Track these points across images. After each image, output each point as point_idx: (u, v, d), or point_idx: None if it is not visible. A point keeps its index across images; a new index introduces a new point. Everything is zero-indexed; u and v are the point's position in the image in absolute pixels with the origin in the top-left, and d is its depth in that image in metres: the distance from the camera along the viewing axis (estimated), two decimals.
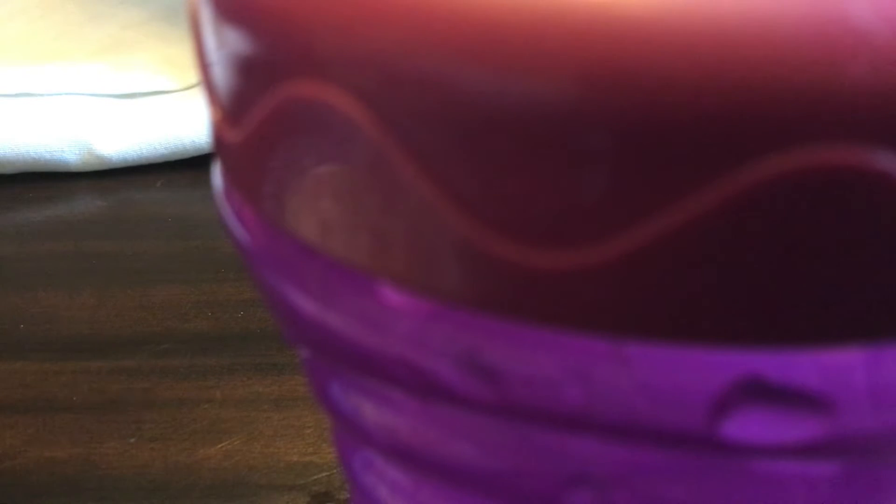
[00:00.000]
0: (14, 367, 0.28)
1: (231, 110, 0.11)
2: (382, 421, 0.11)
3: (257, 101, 0.10)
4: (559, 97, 0.08)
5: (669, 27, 0.08)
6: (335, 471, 0.24)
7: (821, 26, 0.08)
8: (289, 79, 0.10)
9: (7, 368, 0.28)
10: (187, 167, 0.37)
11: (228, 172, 0.12)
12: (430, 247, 0.09)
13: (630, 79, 0.08)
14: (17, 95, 0.37)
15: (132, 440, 0.26)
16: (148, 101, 0.37)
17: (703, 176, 0.08)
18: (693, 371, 0.09)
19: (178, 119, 0.37)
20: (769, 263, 0.09)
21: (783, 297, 0.09)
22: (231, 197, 0.12)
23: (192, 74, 0.37)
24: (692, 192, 0.08)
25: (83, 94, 0.37)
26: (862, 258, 0.09)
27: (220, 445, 0.25)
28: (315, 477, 0.24)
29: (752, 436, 0.09)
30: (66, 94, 0.37)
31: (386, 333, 0.10)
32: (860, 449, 0.10)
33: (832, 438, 0.09)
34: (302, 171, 0.10)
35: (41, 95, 0.37)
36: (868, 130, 0.08)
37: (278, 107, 0.10)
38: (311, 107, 0.10)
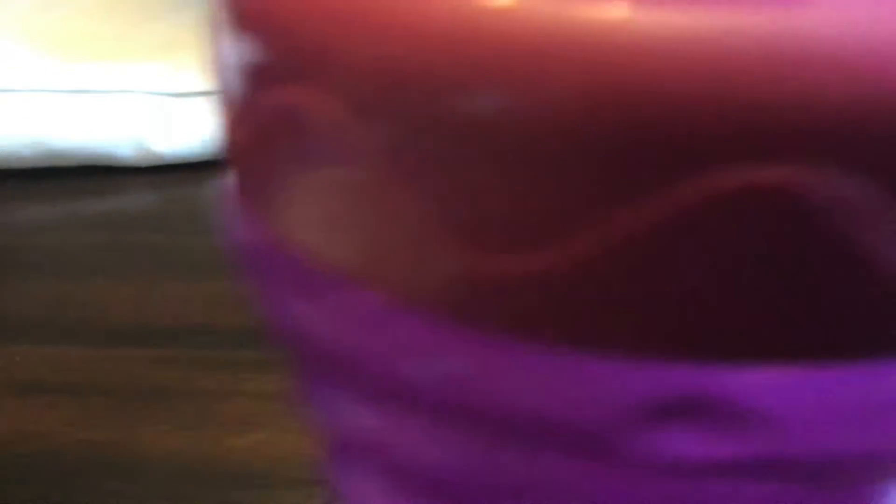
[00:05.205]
0: (59, 350, 0.29)
1: (234, 114, 0.11)
2: (358, 425, 0.12)
3: (255, 107, 0.11)
4: (514, 109, 0.08)
5: (614, 45, 0.08)
6: None
7: (754, 46, 0.08)
8: (281, 85, 0.10)
9: (53, 351, 0.29)
10: None
11: (230, 174, 0.12)
12: (394, 247, 0.10)
13: (580, 93, 0.08)
14: (77, 92, 0.37)
15: (166, 427, 0.26)
16: (201, 100, 0.38)
17: (639, 191, 0.08)
18: (630, 384, 0.09)
19: None
20: (706, 280, 0.09)
21: (724, 315, 0.09)
22: (232, 197, 0.12)
23: None
24: (629, 206, 0.08)
25: (140, 92, 0.38)
26: (801, 277, 0.09)
27: (250, 436, 0.26)
28: None
29: (690, 451, 0.09)
30: (124, 91, 0.37)
31: (364, 336, 0.11)
32: (798, 471, 0.10)
33: (769, 458, 0.09)
34: (287, 175, 0.10)
35: (101, 92, 0.37)
36: (802, 150, 0.08)
37: (272, 112, 0.10)
38: (300, 112, 0.10)
